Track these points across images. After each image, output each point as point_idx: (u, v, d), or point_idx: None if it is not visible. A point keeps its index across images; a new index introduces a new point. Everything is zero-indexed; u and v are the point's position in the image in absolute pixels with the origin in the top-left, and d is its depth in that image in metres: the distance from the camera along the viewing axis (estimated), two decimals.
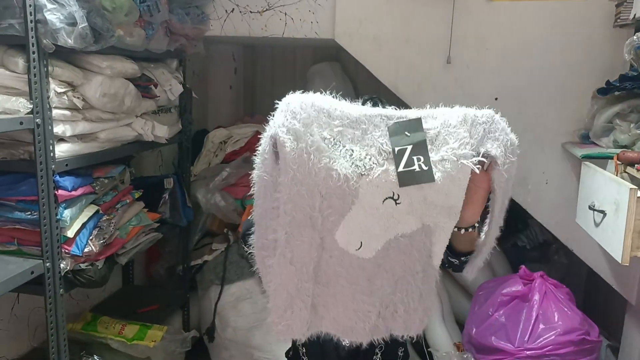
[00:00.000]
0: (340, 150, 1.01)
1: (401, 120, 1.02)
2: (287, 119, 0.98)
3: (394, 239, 1.06)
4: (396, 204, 1.02)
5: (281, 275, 1.05)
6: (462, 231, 1.17)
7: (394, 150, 1.01)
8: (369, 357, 1.66)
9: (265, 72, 4.06)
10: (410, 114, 1.04)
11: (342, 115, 1.03)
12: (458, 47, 2.46)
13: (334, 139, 1.01)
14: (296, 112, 1.00)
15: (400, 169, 1.00)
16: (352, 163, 1.01)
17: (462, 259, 1.27)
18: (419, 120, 1.02)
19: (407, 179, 1.01)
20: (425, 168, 1.00)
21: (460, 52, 2.46)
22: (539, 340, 2.20)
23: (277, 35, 2.67)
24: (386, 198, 1.02)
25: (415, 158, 1.00)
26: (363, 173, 1.01)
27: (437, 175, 1.01)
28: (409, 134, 1.01)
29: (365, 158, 1.01)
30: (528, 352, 2.19)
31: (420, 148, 1.00)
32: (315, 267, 1.07)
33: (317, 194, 1.00)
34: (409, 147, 1.00)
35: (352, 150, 1.01)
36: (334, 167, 0.99)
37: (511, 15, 2.42)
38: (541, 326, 2.23)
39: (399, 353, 1.69)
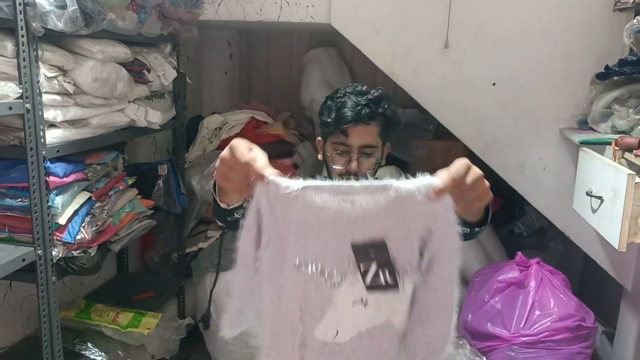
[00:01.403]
0: (311, 269, 1.04)
1: (365, 242, 1.02)
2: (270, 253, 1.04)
3: (365, 331, 1.11)
4: (365, 307, 1.08)
5: None
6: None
7: (359, 267, 1.03)
8: None
9: (261, 57, 4.02)
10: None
11: (312, 234, 1.03)
12: (456, 31, 2.43)
13: (305, 260, 1.05)
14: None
15: (367, 283, 1.04)
16: (325, 279, 1.05)
17: (476, 229, 1.24)
18: (383, 245, 1.02)
19: (374, 290, 1.05)
20: (391, 283, 1.04)
21: (458, 36, 2.43)
22: (534, 327, 2.20)
23: (273, 19, 2.63)
24: (355, 302, 1.07)
25: (381, 272, 1.04)
26: (334, 286, 1.05)
27: (402, 286, 1.06)
28: (373, 255, 1.02)
29: (335, 274, 1.05)
30: (524, 339, 2.19)
31: (386, 265, 1.03)
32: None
33: (297, 310, 1.07)
34: (374, 266, 1.03)
35: (322, 268, 1.05)
36: (309, 286, 1.05)
37: None
38: (537, 312, 2.22)
39: None
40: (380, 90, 1.49)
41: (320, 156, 1.58)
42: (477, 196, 1.01)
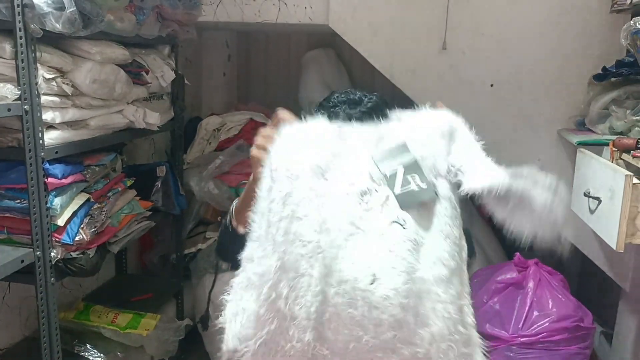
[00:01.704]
0: (333, 178, 0.93)
1: (385, 149, 0.95)
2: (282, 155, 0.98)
3: (414, 273, 0.88)
4: (403, 228, 0.90)
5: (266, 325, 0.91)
6: None
7: (385, 175, 0.91)
8: None
9: (259, 59, 4.02)
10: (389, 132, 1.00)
11: (327, 144, 0.97)
12: (454, 33, 2.43)
13: (326, 166, 0.94)
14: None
15: (397, 191, 0.90)
16: (347, 191, 0.91)
17: None
18: (404, 146, 0.94)
19: (407, 200, 0.90)
20: (424, 186, 0.90)
21: (456, 38, 2.44)
22: (533, 327, 2.20)
23: (271, 20, 2.64)
24: (392, 222, 0.90)
25: (410, 177, 0.91)
26: (359, 202, 0.91)
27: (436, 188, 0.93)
28: (397, 160, 0.93)
29: (360, 184, 0.92)
30: (522, 339, 2.19)
31: (413, 168, 0.91)
32: (317, 313, 0.88)
33: (316, 221, 0.90)
34: (401, 169, 0.92)
35: (345, 177, 0.93)
36: (330, 197, 0.91)
37: (507, 1, 2.39)
38: (535, 313, 2.23)
39: None
40: (374, 98, 1.38)
41: None
42: None
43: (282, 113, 1.08)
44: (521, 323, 2.21)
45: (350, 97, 1.36)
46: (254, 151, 1.08)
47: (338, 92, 1.41)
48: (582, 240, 2.45)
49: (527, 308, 2.23)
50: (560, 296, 2.27)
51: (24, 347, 2.09)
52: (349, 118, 1.31)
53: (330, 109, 1.36)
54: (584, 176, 2.00)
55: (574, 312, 2.23)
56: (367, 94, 1.40)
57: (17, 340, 2.11)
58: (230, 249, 1.12)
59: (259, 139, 1.09)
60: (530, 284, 2.29)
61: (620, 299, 2.42)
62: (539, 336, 2.17)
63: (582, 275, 3.17)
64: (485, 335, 2.43)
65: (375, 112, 1.34)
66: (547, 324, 2.19)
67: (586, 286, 3.05)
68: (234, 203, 1.25)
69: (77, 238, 1.81)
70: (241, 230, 1.10)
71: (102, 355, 2.10)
